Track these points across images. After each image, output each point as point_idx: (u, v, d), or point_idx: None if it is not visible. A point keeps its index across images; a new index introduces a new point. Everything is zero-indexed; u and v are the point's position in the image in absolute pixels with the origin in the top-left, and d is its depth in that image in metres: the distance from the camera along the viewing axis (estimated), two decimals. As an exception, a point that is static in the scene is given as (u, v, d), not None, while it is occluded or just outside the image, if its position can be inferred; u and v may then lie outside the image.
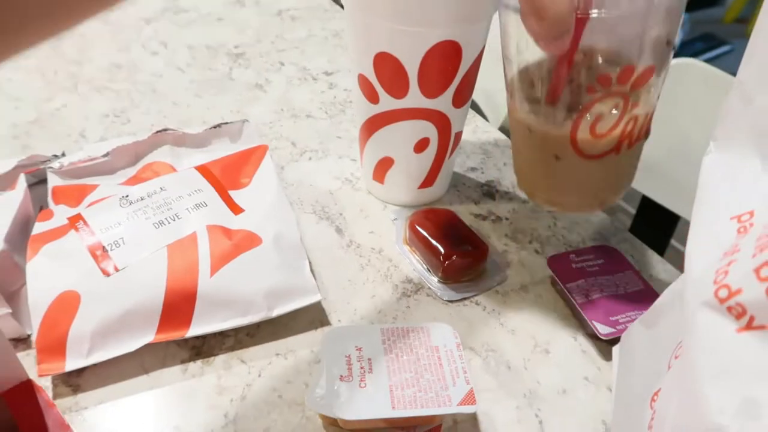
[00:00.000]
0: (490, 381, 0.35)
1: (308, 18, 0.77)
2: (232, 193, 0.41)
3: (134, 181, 0.43)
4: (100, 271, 0.35)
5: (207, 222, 0.37)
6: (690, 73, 0.62)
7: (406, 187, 0.46)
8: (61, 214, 0.39)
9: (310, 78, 0.64)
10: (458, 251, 0.40)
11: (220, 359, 0.36)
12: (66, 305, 0.34)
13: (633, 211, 1.08)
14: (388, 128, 0.43)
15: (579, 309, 0.37)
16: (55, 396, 0.33)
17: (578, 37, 0.30)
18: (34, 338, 0.35)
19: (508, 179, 0.51)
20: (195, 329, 0.35)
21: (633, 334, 0.32)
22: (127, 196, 0.39)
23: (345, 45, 0.71)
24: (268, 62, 0.66)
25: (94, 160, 0.43)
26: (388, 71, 0.40)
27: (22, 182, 0.40)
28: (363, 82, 0.42)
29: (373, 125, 0.43)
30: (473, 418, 0.33)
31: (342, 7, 0.82)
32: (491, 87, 0.76)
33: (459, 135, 0.45)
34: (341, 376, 0.30)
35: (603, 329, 0.36)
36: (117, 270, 0.35)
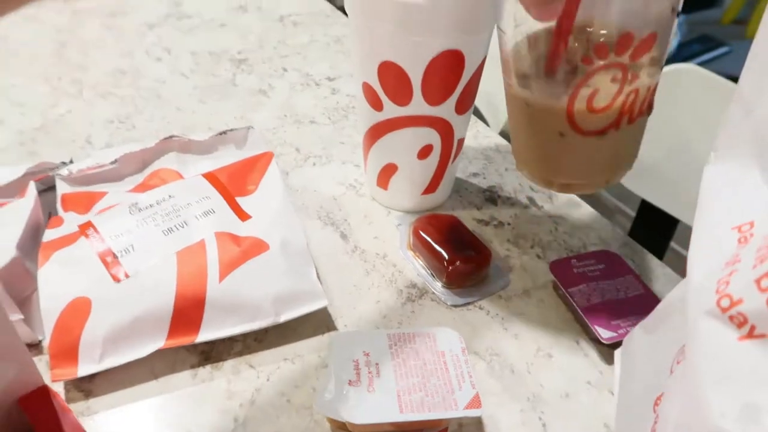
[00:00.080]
0: (495, 385, 0.36)
1: (310, 24, 0.78)
2: (239, 200, 0.41)
3: (142, 188, 0.43)
4: (110, 277, 0.35)
5: (215, 229, 0.38)
6: (688, 78, 0.63)
7: (410, 192, 0.47)
8: (71, 221, 0.39)
9: (313, 84, 0.64)
10: (462, 257, 0.41)
11: (228, 364, 0.36)
12: (78, 311, 0.34)
13: (633, 213, 1.09)
14: (391, 135, 0.43)
15: (581, 313, 0.38)
16: (68, 401, 0.34)
17: (576, 1, 0.28)
18: (45, 344, 0.36)
19: (509, 184, 0.51)
20: (204, 335, 0.35)
21: (634, 339, 0.32)
22: (136, 203, 0.39)
23: (347, 51, 0.71)
24: (271, 68, 0.67)
25: (102, 167, 0.44)
26: (392, 80, 0.40)
27: (32, 190, 0.41)
28: (367, 89, 0.42)
29: (377, 132, 0.44)
30: (478, 422, 0.34)
31: (344, 12, 0.83)
32: (492, 91, 0.77)
33: (461, 141, 0.46)
34: (350, 380, 0.30)
35: (605, 333, 0.36)
36: (127, 276, 0.35)
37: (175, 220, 0.38)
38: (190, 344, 0.36)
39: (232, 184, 0.42)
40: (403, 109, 0.41)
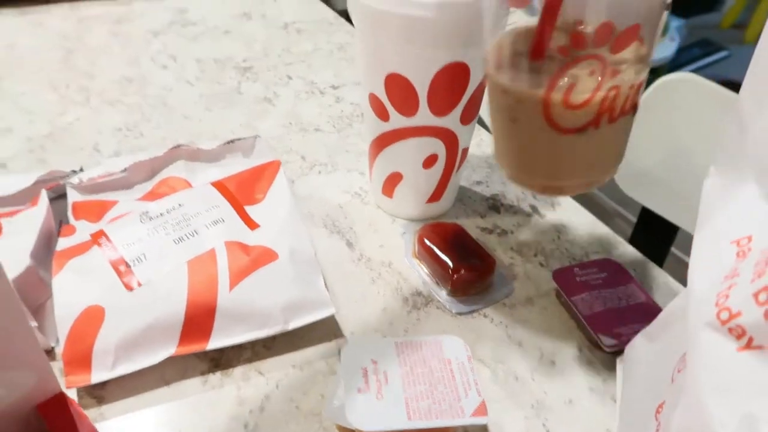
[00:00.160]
0: (499, 392, 0.36)
1: (314, 31, 0.79)
2: (248, 209, 0.42)
3: (151, 196, 0.44)
4: (123, 285, 0.36)
5: (225, 238, 0.39)
6: (686, 86, 0.64)
7: (414, 201, 0.48)
8: (82, 229, 0.40)
9: (318, 92, 0.65)
10: (466, 265, 0.42)
11: (238, 371, 0.37)
12: (91, 319, 0.35)
13: (633, 218, 1.09)
14: (397, 145, 0.44)
15: (584, 321, 0.39)
16: (81, 407, 0.34)
17: None
18: (57, 350, 0.36)
19: (513, 193, 0.52)
20: (215, 342, 0.36)
21: (636, 347, 0.33)
22: (147, 212, 0.40)
23: (350, 58, 0.72)
24: (276, 76, 0.68)
25: (111, 176, 0.45)
26: (399, 91, 0.41)
27: (44, 198, 0.41)
28: (374, 100, 0.43)
29: (383, 142, 0.45)
30: (483, 428, 0.34)
31: (347, 19, 0.84)
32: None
33: (466, 150, 0.47)
34: (359, 388, 0.31)
35: (607, 341, 0.37)
36: (140, 285, 0.36)
37: (185, 229, 0.39)
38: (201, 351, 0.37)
39: (241, 192, 0.43)
40: (409, 120, 0.42)
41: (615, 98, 0.30)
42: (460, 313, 0.41)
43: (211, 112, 0.61)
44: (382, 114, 0.43)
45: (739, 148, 0.26)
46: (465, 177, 0.53)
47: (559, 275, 0.42)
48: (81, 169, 0.46)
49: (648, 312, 0.39)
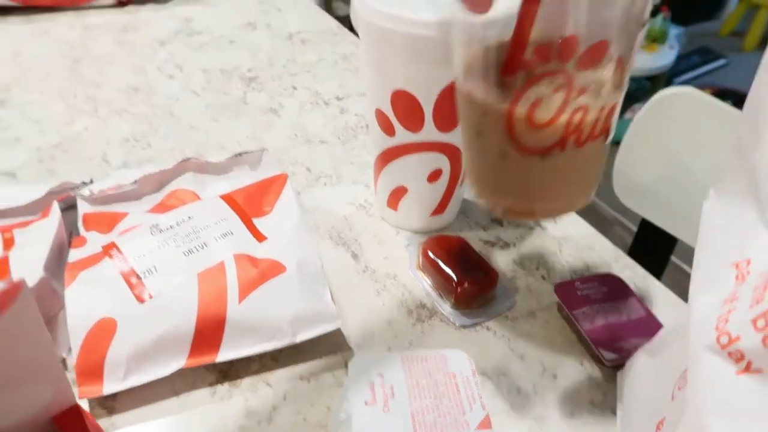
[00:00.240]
0: (502, 405, 0.37)
1: (318, 41, 0.79)
2: (256, 221, 0.43)
3: (160, 207, 0.45)
4: (134, 297, 0.37)
5: (234, 251, 0.40)
6: (684, 100, 0.65)
7: (419, 214, 0.48)
8: (93, 241, 0.41)
9: (322, 102, 0.66)
10: (470, 278, 0.42)
11: (246, 382, 0.38)
12: (103, 331, 0.36)
13: (633, 227, 1.10)
14: (402, 159, 0.45)
15: (585, 335, 0.39)
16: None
17: None
18: (70, 362, 0.37)
19: (514, 206, 0.53)
20: (224, 354, 0.37)
21: (637, 363, 0.34)
22: (157, 224, 0.41)
23: (354, 69, 0.73)
24: (281, 86, 0.69)
25: (122, 188, 0.46)
26: (405, 107, 0.42)
27: (56, 210, 0.42)
28: (380, 116, 0.44)
29: (388, 156, 0.46)
30: (487, 440, 0.35)
31: (350, 29, 0.85)
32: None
33: (469, 165, 0.48)
34: (365, 401, 0.32)
35: (608, 355, 0.38)
36: (151, 297, 0.37)
37: (195, 241, 0.40)
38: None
39: (249, 205, 0.44)
40: (415, 135, 0.43)
41: (582, 120, 0.28)
42: (463, 326, 0.42)
43: (218, 122, 0.62)
44: (388, 129, 0.44)
45: (738, 174, 0.26)
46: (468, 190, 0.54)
47: (560, 289, 0.43)
48: (91, 181, 0.47)
49: (648, 327, 0.39)
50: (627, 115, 2.18)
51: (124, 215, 0.43)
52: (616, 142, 0.75)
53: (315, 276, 0.40)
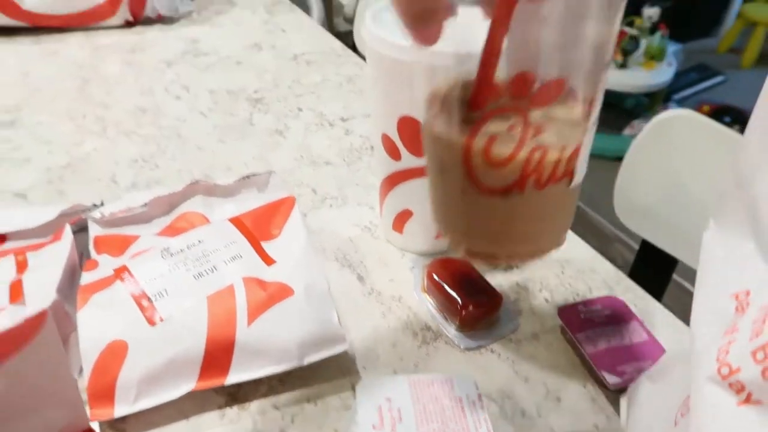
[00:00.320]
0: (507, 427, 0.38)
1: (322, 62, 0.81)
2: (264, 245, 0.44)
3: (170, 230, 0.46)
4: (146, 320, 0.37)
5: (243, 274, 0.40)
6: (681, 123, 0.66)
7: (424, 237, 0.49)
8: (105, 264, 0.41)
9: (327, 124, 0.67)
10: (474, 301, 0.43)
11: (254, 405, 0.38)
12: (115, 354, 0.36)
13: (635, 245, 1.11)
14: (408, 183, 0.46)
15: (588, 358, 0.40)
16: (103, 439, 0.36)
17: (504, 19, 0.25)
18: (81, 385, 0.37)
19: (517, 228, 0.54)
20: (233, 377, 0.37)
21: (640, 387, 0.35)
22: (168, 248, 0.42)
23: (359, 90, 0.74)
24: (287, 108, 0.70)
25: (132, 211, 0.46)
26: (411, 133, 0.43)
27: (68, 233, 0.43)
28: (386, 141, 0.45)
29: (394, 180, 0.46)
30: (492, 463, 0.36)
31: (352, 48, 0.86)
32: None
33: (473, 189, 0.48)
34: (373, 425, 0.32)
35: (611, 379, 0.39)
36: (162, 320, 0.37)
37: (205, 264, 0.41)
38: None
39: (257, 228, 0.45)
40: (421, 160, 0.44)
41: (542, 159, 0.27)
42: (468, 348, 0.43)
43: (225, 144, 0.63)
44: (394, 154, 0.45)
45: (738, 205, 0.27)
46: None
47: (564, 312, 0.43)
48: (102, 203, 0.47)
49: (650, 350, 0.40)
50: (626, 132, 2.20)
51: (135, 238, 0.44)
52: (618, 158, 0.76)
53: (322, 299, 0.41)
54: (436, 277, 0.45)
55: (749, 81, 2.74)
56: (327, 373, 0.40)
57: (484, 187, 0.28)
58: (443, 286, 0.45)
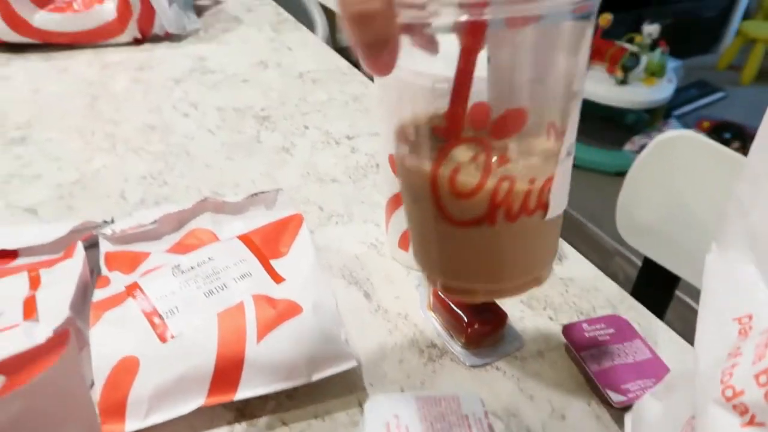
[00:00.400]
0: (513, 445, 0.38)
1: (327, 81, 0.82)
2: (273, 263, 0.44)
3: (179, 247, 0.46)
4: (157, 337, 0.38)
5: (252, 291, 0.41)
6: (682, 143, 0.67)
7: (429, 254, 0.50)
8: (117, 280, 0.42)
9: (333, 142, 0.68)
10: (480, 319, 0.44)
11: (263, 421, 0.39)
12: (126, 370, 0.37)
13: (636, 260, 1.11)
14: (414, 202, 0.47)
15: (593, 376, 0.41)
16: (114, 455, 0.36)
17: (474, 45, 0.24)
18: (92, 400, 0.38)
19: (521, 246, 0.54)
20: (242, 393, 0.38)
21: (644, 406, 0.35)
22: (178, 265, 0.42)
23: (364, 109, 0.75)
24: (293, 125, 0.71)
25: (142, 227, 0.47)
26: (418, 154, 0.44)
27: (80, 251, 0.43)
28: (393, 160, 0.46)
29: (400, 199, 0.47)
30: (498, 481, 0.36)
31: (356, 66, 0.87)
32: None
33: (478, 207, 0.49)
34: (382, 443, 0.33)
35: (616, 397, 0.39)
36: (173, 337, 0.38)
37: (215, 282, 0.41)
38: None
39: (266, 246, 0.45)
40: (426, 180, 0.45)
41: (510, 191, 0.26)
42: (473, 366, 0.43)
43: (232, 161, 0.64)
44: (401, 173, 0.46)
45: (739, 230, 0.28)
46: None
47: (568, 330, 0.44)
48: (112, 220, 0.48)
49: (654, 369, 0.41)
50: (627, 147, 2.22)
51: (145, 255, 0.45)
52: (619, 173, 0.77)
53: (330, 316, 0.41)
54: (441, 294, 0.46)
55: (749, 97, 2.76)
56: (334, 390, 0.41)
57: (452, 219, 0.28)
58: (449, 304, 0.45)
